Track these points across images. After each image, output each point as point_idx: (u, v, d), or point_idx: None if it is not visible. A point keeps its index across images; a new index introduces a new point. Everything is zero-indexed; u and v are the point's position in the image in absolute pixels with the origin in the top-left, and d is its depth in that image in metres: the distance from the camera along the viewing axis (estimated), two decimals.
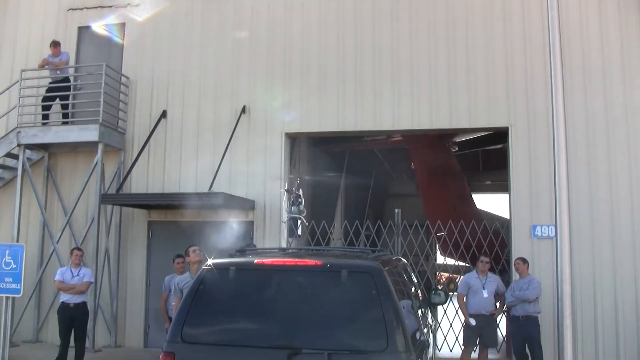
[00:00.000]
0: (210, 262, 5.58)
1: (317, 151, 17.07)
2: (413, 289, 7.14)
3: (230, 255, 5.95)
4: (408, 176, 23.31)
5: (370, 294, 5.11)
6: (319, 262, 5.41)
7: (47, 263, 12.91)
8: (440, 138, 16.59)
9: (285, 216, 11.97)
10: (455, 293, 11.01)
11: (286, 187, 10.37)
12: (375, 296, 5.08)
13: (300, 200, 9.41)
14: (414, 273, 9.48)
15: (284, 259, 5.69)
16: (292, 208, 9.43)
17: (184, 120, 13.23)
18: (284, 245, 11.99)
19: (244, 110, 12.84)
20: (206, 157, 12.81)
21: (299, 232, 12.32)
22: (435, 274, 18.16)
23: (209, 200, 11.27)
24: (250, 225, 12.37)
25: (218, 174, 12.14)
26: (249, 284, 5.44)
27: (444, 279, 22.77)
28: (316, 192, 19.05)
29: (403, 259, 8.05)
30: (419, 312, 6.77)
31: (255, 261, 5.53)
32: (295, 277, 5.42)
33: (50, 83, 13.25)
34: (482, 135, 16.16)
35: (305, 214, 9.68)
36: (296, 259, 5.71)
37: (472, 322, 10.16)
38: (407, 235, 12.37)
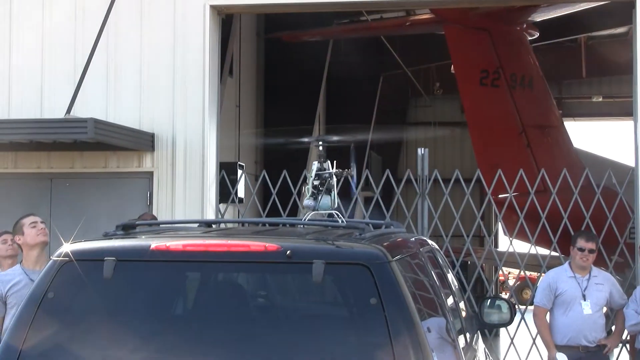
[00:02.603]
0: (66, 247, 5.58)
1: (274, 45, 17.08)
2: (450, 299, 7.20)
3: (106, 236, 5.96)
4: (444, 89, 23.41)
5: (366, 307, 5.15)
6: (272, 247, 5.40)
7: None
8: (504, 15, 16.61)
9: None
10: (531, 307, 11.14)
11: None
12: (376, 310, 5.09)
13: (350, 174, 8.95)
14: (454, 268, 9.49)
15: (208, 241, 5.70)
16: (322, 199, 8.89)
17: None
18: (211, 216, 12.11)
19: None
20: (59, 49, 12.83)
21: (240, 191, 12.39)
22: (495, 270, 18.33)
23: (66, 133, 11.39)
24: (147, 181, 12.56)
25: (84, 83, 12.11)
26: (142, 287, 5.48)
27: (510, 280, 23.05)
28: (271, 118, 19.05)
29: (431, 242, 8.10)
30: (462, 340, 6.83)
31: (152, 245, 5.54)
32: (227, 273, 5.47)
33: None
34: (584, 9, 16.24)
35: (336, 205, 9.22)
36: (231, 241, 5.67)
37: (562, 359, 10.25)
38: (441, 198, 12.52)
